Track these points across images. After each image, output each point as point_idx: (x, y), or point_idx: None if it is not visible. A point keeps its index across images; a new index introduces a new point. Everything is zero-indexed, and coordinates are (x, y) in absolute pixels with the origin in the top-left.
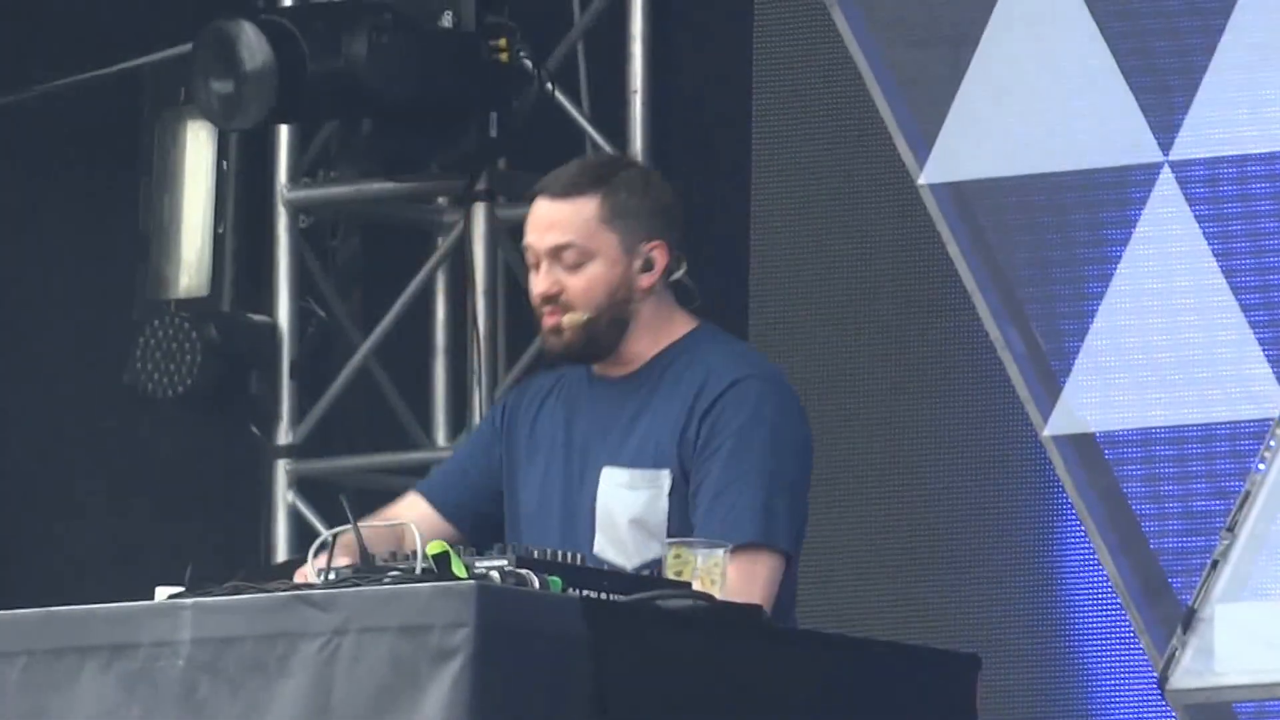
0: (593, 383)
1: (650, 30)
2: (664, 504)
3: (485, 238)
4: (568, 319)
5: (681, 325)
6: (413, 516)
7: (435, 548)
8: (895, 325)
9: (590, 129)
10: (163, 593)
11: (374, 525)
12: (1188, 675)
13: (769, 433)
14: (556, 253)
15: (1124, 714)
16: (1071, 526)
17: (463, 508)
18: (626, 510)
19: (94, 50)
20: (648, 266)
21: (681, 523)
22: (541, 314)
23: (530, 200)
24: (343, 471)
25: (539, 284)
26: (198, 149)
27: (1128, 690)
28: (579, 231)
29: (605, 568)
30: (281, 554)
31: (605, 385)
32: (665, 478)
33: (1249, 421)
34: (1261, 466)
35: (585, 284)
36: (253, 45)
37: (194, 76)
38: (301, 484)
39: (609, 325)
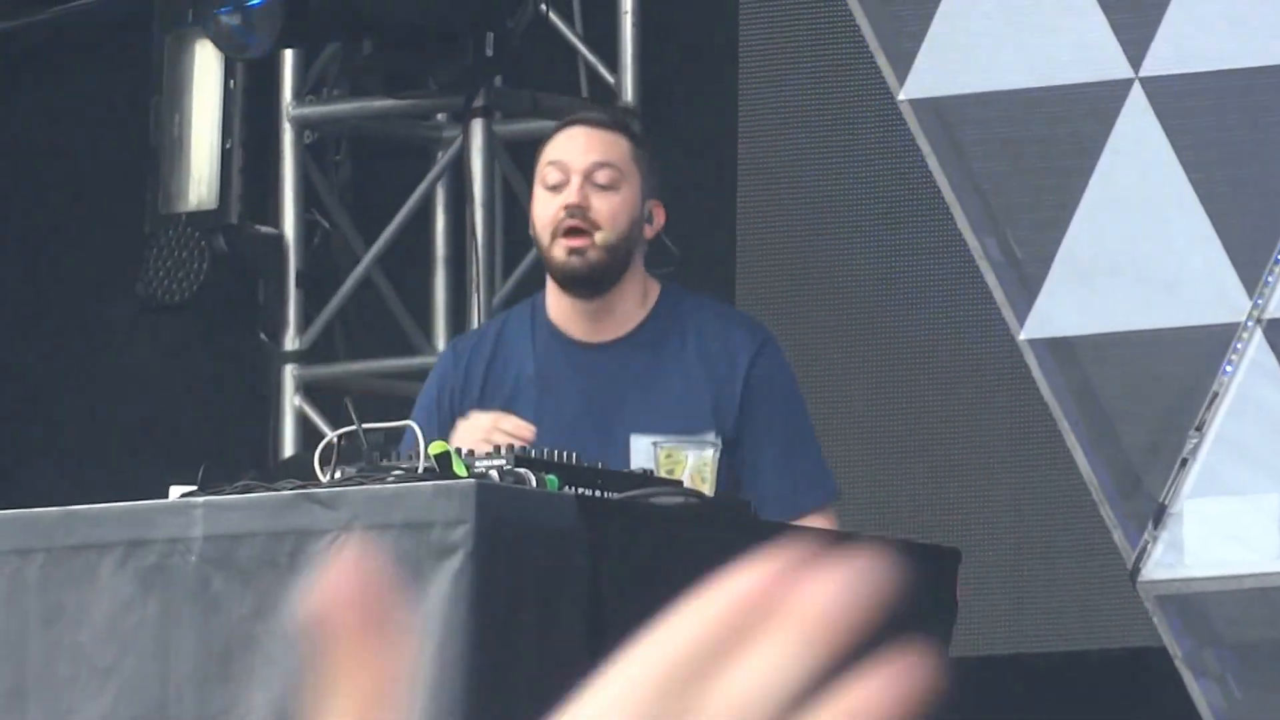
0: (574, 351)
1: None
2: (712, 464)
3: (483, 152)
4: (599, 236)
5: (654, 287)
6: None
7: (437, 448)
8: (879, 235)
9: (583, 48)
10: (176, 492)
11: (377, 427)
12: (1158, 568)
13: (796, 393)
14: (594, 169)
15: (1097, 606)
16: (1046, 426)
17: None
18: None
19: None
20: (649, 219)
21: (729, 483)
22: (559, 232)
23: (562, 124)
24: (347, 376)
25: (570, 195)
26: (206, 68)
27: (1100, 583)
28: (619, 157)
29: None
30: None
31: (596, 352)
32: (710, 439)
33: (1217, 325)
34: (1229, 368)
35: (614, 206)
36: None
37: (201, 10)
38: (308, 388)
39: (622, 256)
